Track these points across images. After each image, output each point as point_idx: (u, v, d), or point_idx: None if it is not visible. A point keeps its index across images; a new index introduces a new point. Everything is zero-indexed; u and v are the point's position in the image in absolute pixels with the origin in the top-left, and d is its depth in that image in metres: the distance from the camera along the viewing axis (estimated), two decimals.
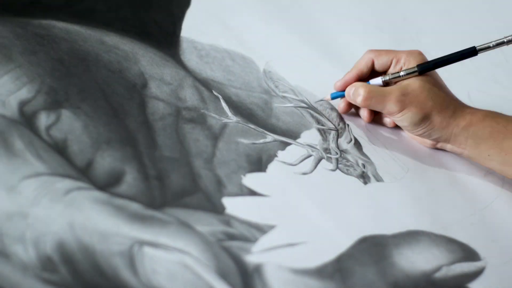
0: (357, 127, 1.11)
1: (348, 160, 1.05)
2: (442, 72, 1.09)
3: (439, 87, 1.07)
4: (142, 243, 0.86)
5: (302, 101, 1.12)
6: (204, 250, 0.88)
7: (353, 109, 1.13)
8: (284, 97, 1.12)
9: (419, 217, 0.99)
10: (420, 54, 1.07)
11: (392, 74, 1.07)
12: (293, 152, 1.04)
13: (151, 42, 1.13)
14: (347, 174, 1.03)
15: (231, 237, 0.90)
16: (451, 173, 1.07)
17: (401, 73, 1.06)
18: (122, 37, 1.12)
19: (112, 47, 1.09)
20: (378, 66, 1.09)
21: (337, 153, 1.06)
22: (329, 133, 1.08)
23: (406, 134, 1.12)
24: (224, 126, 1.04)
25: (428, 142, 1.10)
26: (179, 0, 1.23)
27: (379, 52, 1.09)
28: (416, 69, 1.06)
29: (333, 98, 1.11)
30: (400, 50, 1.08)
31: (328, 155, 1.05)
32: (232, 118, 1.05)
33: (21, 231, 0.84)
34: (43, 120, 0.95)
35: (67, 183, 0.89)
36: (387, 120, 1.12)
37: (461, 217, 1.01)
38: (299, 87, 1.14)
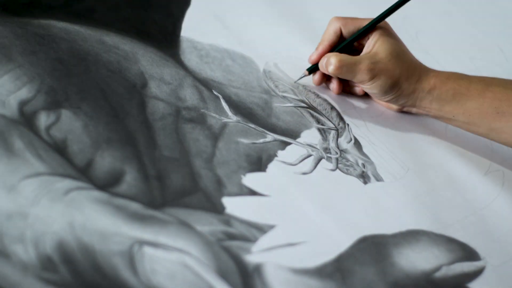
0: (357, 127, 1.11)
1: (348, 160, 1.05)
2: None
3: (404, 52, 1.09)
4: (142, 242, 0.86)
5: (302, 101, 1.12)
6: (204, 250, 0.88)
7: (324, 85, 1.15)
8: (284, 96, 1.12)
9: (419, 217, 0.99)
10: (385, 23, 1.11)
11: (340, 45, 1.11)
12: (293, 151, 1.04)
13: (151, 42, 1.13)
14: (347, 173, 1.03)
15: (231, 237, 0.90)
16: (451, 173, 1.07)
17: (349, 39, 1.11)
18: (122, 37, 1.12)
19: (112, 47, 1.09)
20: (346, 34, 1.12)
21: (337, 153, 1.06)
22: (329, 133, 1.08)
23: (405, 135, 1.12)
24: (224, 125, 1.04)
25: (395, 107, 1.13)
26: (179, 0, 1.23)
27: (345, 20, 1.12)
28: (361, 30, 1.10)
29: (310, 71, 1.13)
30: (365, 18, 1.11)
31: (328, 154, 1.05)
32: (232, 118, 1.05)
33: (21, 231, 0.84)
34: (43, 120, 0.95)
35: (67, 183, 0.89)
36: (357, 89, 1.14)
37: (461, 217, 1.01)
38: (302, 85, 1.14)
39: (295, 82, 1.14)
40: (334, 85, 1.14)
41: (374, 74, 1.07)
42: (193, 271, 0.86)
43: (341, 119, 1.11)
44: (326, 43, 1.12)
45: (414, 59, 1.10)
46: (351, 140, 1.09)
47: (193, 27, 1.19)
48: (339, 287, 0.89)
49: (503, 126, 1.06)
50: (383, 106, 1.14)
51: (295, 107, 1.11)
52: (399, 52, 1.08)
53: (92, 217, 0.87)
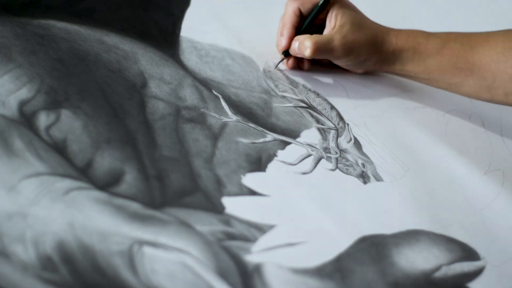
0: (357, 127, 1.11)
1: (347, 160, 1.05)
2: None
3: (365, 19, 1.12)
4: (142, 242, 0.86)
5: (302, 101, 1.12)
6: (204, 249, 0.88)
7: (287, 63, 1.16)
8: (283, 96, 1.12)
9: (419, 217, 0.99)
10: None
11: (305, 23, 1.13)
12: (292, 151, 1.04)
13: (151, 42, 1.13)
14: (347, 173, 1.03)
15: (231, 236, 0.90)
16: (451, 173, 1.07)
17: (311, 15, 1.12)
18: (122, 36, 1.12)
19: (111, 46, 1.09)
20: (305, 12, 1.13)
21: (336, 153, 1.06)
22: (329, 133, 1.08)
23: (405, 134, 1.12)
24: (224, 125, 1.04)
25: (360, 71, 1.16)
26: (178, 0, 1.23)
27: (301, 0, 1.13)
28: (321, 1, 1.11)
29: (286, 55, 1.14)
30: None
31: (328, 154, 1.05)
32: (232, 118, 1.05)
33: (21, 231, 0.84)
34: (43, 120, 0.95)
35: (67, 182, 0.89)
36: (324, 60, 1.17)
37: (461, 217, 1.01)
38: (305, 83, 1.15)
39: (274, 68, 1.15)
40: (304, 64, 1.16)
41: (347, 50, 1.10)
42: (193, 271, 0.86)
43: (341, 118, 1.11)
44: (289, 25, 1.13)
45: (374, 23, 1.12)
46: (351, 139, 1.09)
47: (192, 27, 1.19)
48: (339, 287, 0.89)
49: (462, 80, 1.09)
50: (348, 69, 1.16)
51: (294, 107, 1.11)
52: (361, 21, 1.11)
53: (92, 217, 0.87)
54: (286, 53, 1.14)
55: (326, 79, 1.17)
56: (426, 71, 1.10)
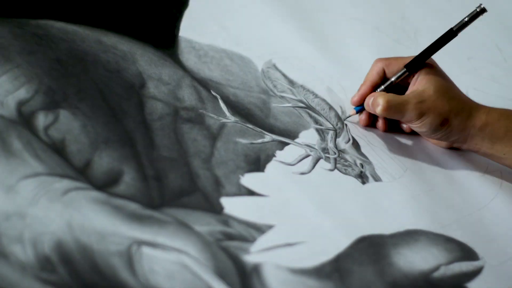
0: (355, 127, 1.11)
1: (346, 160, 1.05)
2: None
3: (452, 88, 1.07)
4: (141, 243, 0.86)
5: (300, 101, 1.12)
6: (202, 250, 0.88)
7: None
8: (282, 97, 1.12)
9: (418, 217, 0.99)
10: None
11: (384, 85, 1.08)
12: (291, 152, 1.04)
13: (149, 42, 1.13)
14: (345, 174, 1.03)
15: (230, 237, 0.90)
16: (450, 173, 1.07)
17: (392, 79, 1.08)
18: (120, 37, 1.12)
19: (110, 47, 1.09)
20: (389, 74, 1.10)
21: (335, 153, 1.06)
22: (327, 133, 1.08)
23: (403, 134, 1.12)
24: (222, 126, 1.04)
25: (444, 144, 1.10)
26: (177, 0, 1.23)
27: (388, 60, 1.10)
28: (404, 69, 1.06)
29: (357, 111, 1.11)
30: (408, 57, 1.09)
31: (326, 155, 1.05)
32: (230, 118, 1.05)
33: (19, 231, 0.84)
34: (41, 120, 0.95)
35: (65, 183, 0.89)
36: (404, 126, 1.12)
37: (460, 217, 1.01)
38: (305, 83, 1.14)
39: (344, 120, 1.12)
40: (380, 124, 1.12)
41: (422, 113, 1.05)
42: (192, 271, 0.86)
43: (340, 119, 1.11)
44: (368, 84, 1.10)
45: (463, 95, 1.08)
46: (349, 140, 1.09)
47: (191, 27, 1.19)
48: (338, 287, 0.89)
49: None
50: (433, 143, 1.12)
51: (293, 107, 1.11)
52: (447, 89, 1.06)
53: (90, 217, 0.87)
54: (357, 109, 1.11)
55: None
56: None
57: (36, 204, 0.86)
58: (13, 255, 0.82)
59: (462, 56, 1.24)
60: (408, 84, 1.09)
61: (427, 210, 1.00)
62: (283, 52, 1.19)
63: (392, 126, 1.12)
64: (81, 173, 0.91)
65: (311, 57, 1.20)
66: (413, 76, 1.08)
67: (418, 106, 1.04)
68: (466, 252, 0.97)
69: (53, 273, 0.82)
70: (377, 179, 1.04)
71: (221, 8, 1.25)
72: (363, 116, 1.12)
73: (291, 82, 1.15)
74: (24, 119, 0.94)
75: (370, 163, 1.06)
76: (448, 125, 1.05)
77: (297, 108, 1.11)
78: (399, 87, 1.09)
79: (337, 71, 1.18)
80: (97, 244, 0.85)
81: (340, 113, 1.12)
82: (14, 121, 0.94)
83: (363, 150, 1.07)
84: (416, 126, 1.07)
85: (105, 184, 0.91)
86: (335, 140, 1.08)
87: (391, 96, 1.06)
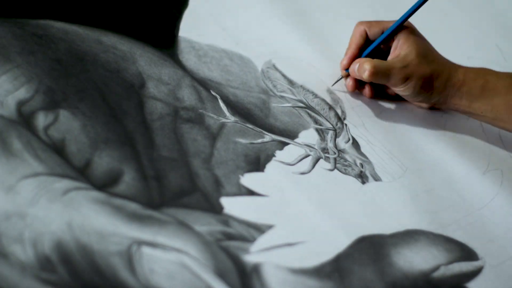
0: (355, 127, 1.11)
1: (346, 160, 1.05)
2: None
3: (431, 51, 1.11)
4: (140, 243, 0.86)
5: (300, 101, 1.12)
6: (202, 250, 0.88)
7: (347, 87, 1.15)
8: (282, 96, 1.12)
9: (417, 217, 0.99)
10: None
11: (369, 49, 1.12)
12: (291, 152, 1.04)
13: (149, 42, 1.13)
14: (345, 173, 1.03)
15: (230, 237, 0.90)
16: (449, 172, 1.07)
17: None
18: (120, 37, 1.12)
19: (110, 47, 1.09)
20: (371, 36, 1.13)
21: (335, 153, 1.06)
22: (327, 133, 1.08)
23: (404, 134, 1.12)
24: (222, 126, 1.04)
25: (425, 105, 1.14)
26: (177, 0, 1.23)
27: (370, 23, 1.13)
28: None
29: (347, 71, 1.14)
30: (389, 21, 1.12)
31: (326, 154, 1.05)
32: (230, 118, 1.05)
33: (20, 231, 0.84)
34: (41, 120, 0.95)
35: (65, 183, 0.89)
36: (389, 91, 1.15)
37: (459, 217, 1.01)
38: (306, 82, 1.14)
39: (331, 86, 1.14)
40: (366, 90, 1.14)
41: (405, 77, 1.08)
42: (192, 271, 0.86)
43: (339, 119, 1.11)
44: (354, 46, 1.13)
45: (442, 57, 1.11)
46: (349, 140, 1.09)
47: (191, 27, 1.19)
48: (338, 287, 0.89)
49: None
50: (415, 105, 1.15)
51: (293, 107, 1.11)
52: (427, 51, 1.10)
53: (90, 217, 0.87)
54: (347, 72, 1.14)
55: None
56: (493, 110, 1.08)
57: (36, 204, 0.86)
58: (13, 255, 0.82)
59: (462, 56, 1.24)
60: (390, 47, 1.12)
61: (427, 210, 1.01)
62: (283, 52, 1.19)
63: (378, 92, 1.15)
64: (81, 173, 0.91)
65: (311, 57, 1.20)
66: (394, 40, 1.11)
67: (403, 71, 1.08)
68: (466, 252, 0.97)
69: (53, 273, 0.82)
70: (377, 179, 1.04)
71: (221, 8, 1.25)
72: (350, 82, 1.14)
73: (291, 82, 1.15)
74: (24, 119, 0.94)
75: (370, 163, 1.06)
76: (429, 88, 1.09)
77: (296, 108, 1.11)
78: (380, 51, 1.13)
79: (336, 71, 1.18)
80: (97, 244, 0.85)
81: (340, 113, 1.12)
82: (14, 121, 0.94)
83: (363, 150, 1.07)
84: (400, 89, 1.10)
85: (105, 184, 0.91)
86: (335, 140, 1.08)
87: (377, 61, 1.09)
